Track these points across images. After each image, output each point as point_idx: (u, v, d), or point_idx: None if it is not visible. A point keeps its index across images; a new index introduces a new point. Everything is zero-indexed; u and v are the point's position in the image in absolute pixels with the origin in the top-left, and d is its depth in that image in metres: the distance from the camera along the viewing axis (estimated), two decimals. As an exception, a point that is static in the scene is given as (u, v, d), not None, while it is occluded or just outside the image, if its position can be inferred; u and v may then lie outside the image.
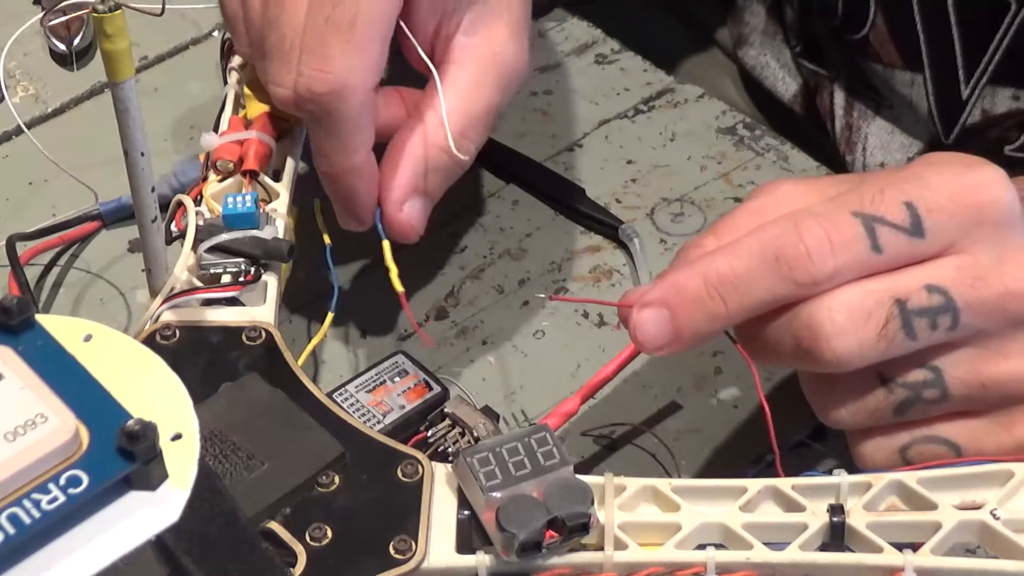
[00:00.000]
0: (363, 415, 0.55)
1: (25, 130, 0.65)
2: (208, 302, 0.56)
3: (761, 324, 0.51)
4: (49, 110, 0.73)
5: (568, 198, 0.69)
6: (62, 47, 0.73)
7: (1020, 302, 0.50)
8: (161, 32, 0.74)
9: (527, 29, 0.59)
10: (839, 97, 0.76)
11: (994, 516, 0.49)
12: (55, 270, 0.66)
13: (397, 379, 0.57)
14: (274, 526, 0.49)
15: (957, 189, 0.50)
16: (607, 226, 0.67)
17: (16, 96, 0.73)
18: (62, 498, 0.34)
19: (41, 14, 0.54)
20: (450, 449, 0.54)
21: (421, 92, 0.59)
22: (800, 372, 0.53)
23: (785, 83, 0.78)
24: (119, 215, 0.67)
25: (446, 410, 0.56)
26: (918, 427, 0.52)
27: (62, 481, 0.34)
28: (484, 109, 0.57)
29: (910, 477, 0.50)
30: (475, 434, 0.55)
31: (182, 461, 0.35)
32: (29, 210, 0.64)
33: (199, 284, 0.56)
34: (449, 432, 0.55)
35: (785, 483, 0.50)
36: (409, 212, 0.58)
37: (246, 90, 0.62)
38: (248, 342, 0.54)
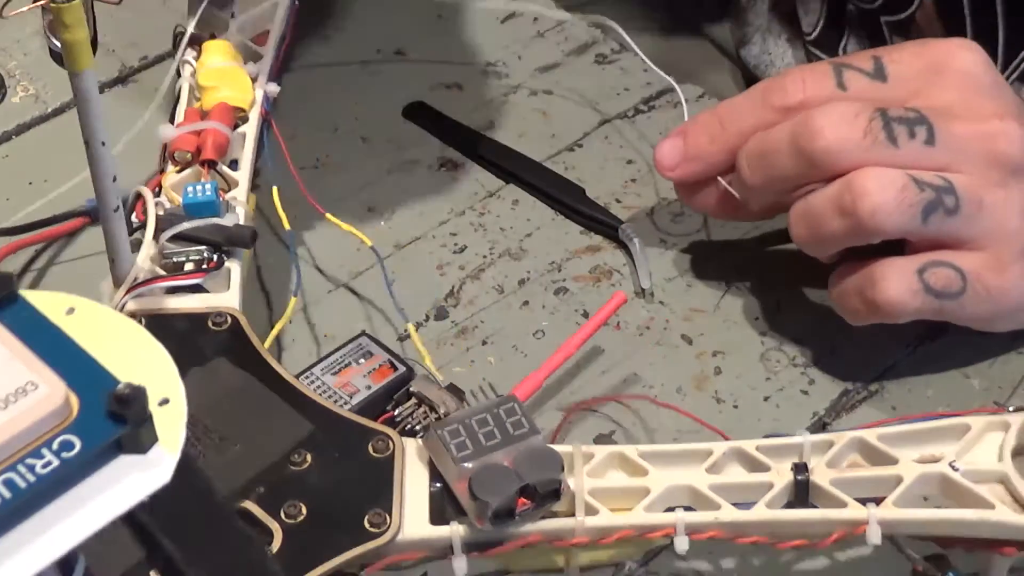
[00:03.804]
0: (330, 396, 0.55)
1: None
2: (172, 290, 0.56)
3: (767, 144, 0.60)
4: (49, 110, 0.73)
5: (568, 198, 0.69)
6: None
7: (988, 142, 0.57)
8: (161, 32, 0.74)
9: None
10: None
11: (953, 468, 0.50)
12: (41, 265, 0.65)
13: (362, 360, 0.57)
14: (249, 505, 0.49)
15: (923, 47, 0.61)
16: (607, 226, 0.67)
17: (16, 96, 0.73)
18: (56, 462, 0.34)
19: (4, 4, 0.54)
20: (417, 427, 0.55)
21: None
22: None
23: None
24: None
25: (412, 389, 0.56)
26: (935, 253, 0.58)
27: (55, 446, 0.34)
28: None
29: (871, 434, 0.52)
30: (441, 412, 0.55)
31: (171, 425, 0.36)
32: (29, 210, 0.64)
33: (162, 273, 0.57)
34: (416, 411, 0.55)
35: (749, 444, 0.52)
36: None
37: (200, 82, 0.63)
38: (214, 328, 0.55)
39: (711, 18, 0.80)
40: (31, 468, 0.34)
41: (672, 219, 0.68)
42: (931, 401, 0.61)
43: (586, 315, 0.64)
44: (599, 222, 0.68)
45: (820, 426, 0.60)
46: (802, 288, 0.65)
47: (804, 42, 0.75)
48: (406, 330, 0.62)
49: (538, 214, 0.69)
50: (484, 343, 0.63)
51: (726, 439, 0.53)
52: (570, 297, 0.65)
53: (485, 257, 0.67)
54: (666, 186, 0.69)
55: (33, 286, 0.65)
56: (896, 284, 0.58)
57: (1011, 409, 0.52)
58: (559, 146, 0.72)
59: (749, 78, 0.77)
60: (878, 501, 0.50)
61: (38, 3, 0.50)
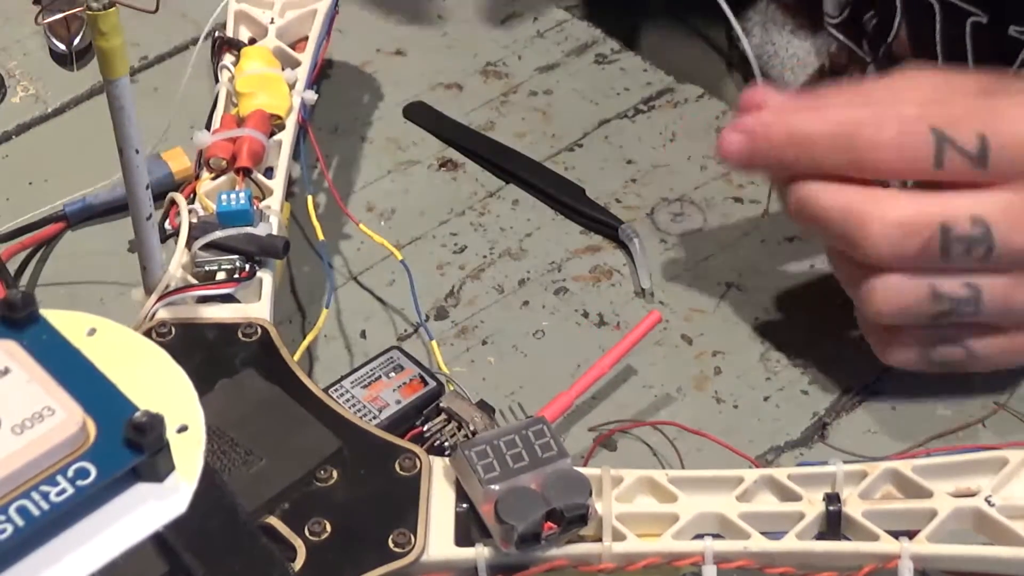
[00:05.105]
0: (359, 410, 0.55)
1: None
2: (204, 299, 0.56)
3: (822, 217, 0.56)
4: (49, 110, 0.73)
5: (568, 198, 0.68)
6: (62, 47, 0.73)
7: None
8: (161, 32, 0.74)
9: None
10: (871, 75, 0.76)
11: (989, 503, 0.49)
12: (24, 274, 0.65)
13: (392, 374, 0.57)
14: (273, 521, 0.49)
15: None
16: (607, 226, 0.67)
17: (16, 96, 0.73)
18: (70, 490, 0.34)
19: (39, 12, 0.54)
20: (447, 443, 0.54)
21: None
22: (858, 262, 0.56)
23: (792, 73, 0.78)
24: (84, 215, 0.66)
25: (441, 405, 0.56)
26: (950, 331, 0.57)
27: (70, 473, 0.34)
28: None
29: (905, 465, 0.51)
30: (471, 428, 0.55)
31: (189, 453, 0.36)
32: (29, 210, 0.63)
33: (194, 281, 0.56)
34: (445, 427, 0.55)
35: (781, 473, 0.51)
36: None
37: (237, 88, 0.62)
38: (244, 338, 0.55)
39: (711, 18, 0.79)
40: (45, 496, 0.34)
41: (672, 219, 0.68)
42: (931, 401, 0.60)
43: (586, 315, 0.64)
44: (599, 222, 0.68)
45: (820, 426, 0.60)
46: (802, 288, 0.64)
47: (828, 24, 0.73)
48: (406, 330, 0.62)
49: (538, 214, 0.68)
50: (484, 343, 0.63)
51: (756, 466, 0.53)
52: (570, 297, 0.64)
53: (485, 257, 0.66)
54: (666, 186, 0.69)
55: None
56: (905, 354, 0.58)
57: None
58: (559, 146, 0.71)
59: (749, 73, 0.76)
60: (911, 534, 0.49)
61: (73, 10, 0.50)
